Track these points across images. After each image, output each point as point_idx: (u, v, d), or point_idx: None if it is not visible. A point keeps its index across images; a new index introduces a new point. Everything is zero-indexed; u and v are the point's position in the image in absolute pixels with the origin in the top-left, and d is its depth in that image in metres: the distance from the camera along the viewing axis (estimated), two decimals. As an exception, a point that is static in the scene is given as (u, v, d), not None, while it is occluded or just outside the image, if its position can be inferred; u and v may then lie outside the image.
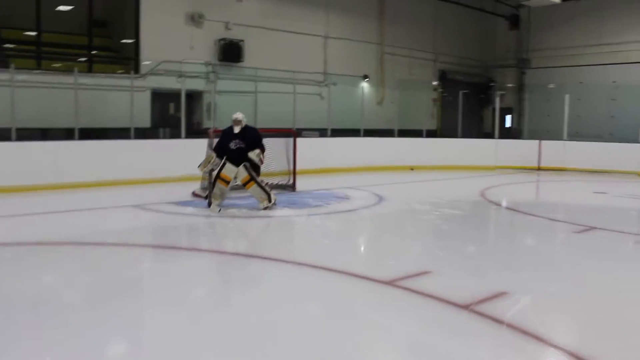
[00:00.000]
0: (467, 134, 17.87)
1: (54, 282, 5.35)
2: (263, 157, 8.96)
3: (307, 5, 16.96)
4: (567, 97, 16.67)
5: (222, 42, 14.96)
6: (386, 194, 10.78)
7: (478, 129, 22.42)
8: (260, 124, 14.41)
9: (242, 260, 6.13)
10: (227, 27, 15.07)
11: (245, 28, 15.40)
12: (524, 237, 7.69)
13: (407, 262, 5.97)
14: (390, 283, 5.10)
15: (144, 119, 13.47)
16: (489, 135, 22.17)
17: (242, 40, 15.21)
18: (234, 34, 15.19)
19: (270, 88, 14.98)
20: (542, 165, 16.67)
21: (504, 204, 10.42)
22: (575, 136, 16.95)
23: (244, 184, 9.01)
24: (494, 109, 22.86)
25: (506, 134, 19.05)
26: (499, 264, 6.05)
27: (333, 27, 17.62)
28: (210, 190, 8.97)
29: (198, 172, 11.94)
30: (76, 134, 11.44)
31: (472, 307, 4.50)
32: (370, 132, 16.08)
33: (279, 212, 8.74)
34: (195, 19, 14.50)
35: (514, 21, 22.10)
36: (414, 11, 19.95)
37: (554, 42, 21.05)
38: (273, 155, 10.97)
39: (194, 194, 10.43)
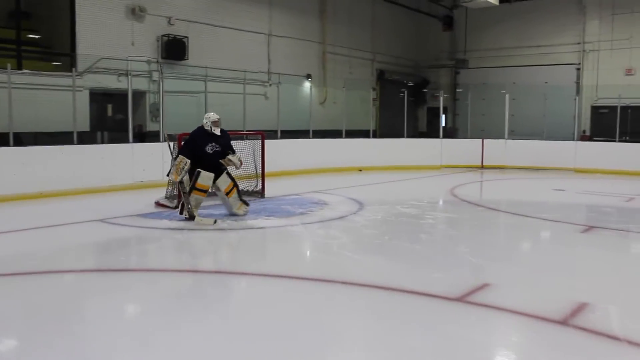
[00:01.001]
0: (402, 134, 17.90)
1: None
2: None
3: (250, 1, 16.18)
4: (507, 97, 17.13)
5: (165, 38, 13.84)
6: (361, 198, 10.37)
7: (413, 128, 22.63)
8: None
9: (271, 281, 5.42)
10: (169, 22, 13.97)
11: (188, 24, 14.36)
12: (543, 241, 7.42)
13: (455, 274, 5.55)
14: (461, 299, 4.67)
15: (83, 122, 12.13)
16: (425, 134, 22.50)
17: (186, 37, 14.17)
18: (177, 30, 14.12)
19: (215, 88, 14.09)
20: (485, 163, 17.03)
21: (485, 204, 10.23)
22: (510, 134, 17.47)
23: (227, 193, 8.26)
24: (428, 109, 23.30)
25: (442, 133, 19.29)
26: (547, 271, 5.77)
27: (276, 24, 16.95)
28: (187, 202, 8.03)
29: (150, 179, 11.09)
30: (11, 139, 10.05)
31: (569, 321, 4.18)
32: (314, 133, 15.66)
33: (268, 222, 8.06)
34: (136, 13, 13.29)
35: (448, 22, 22.51)
36: (353, 10, 19.71)
37: (487, 43, 21.64)
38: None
39: (159, 204, 9.44)
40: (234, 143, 10.31)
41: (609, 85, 18.36)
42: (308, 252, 6.51)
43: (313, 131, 15.61)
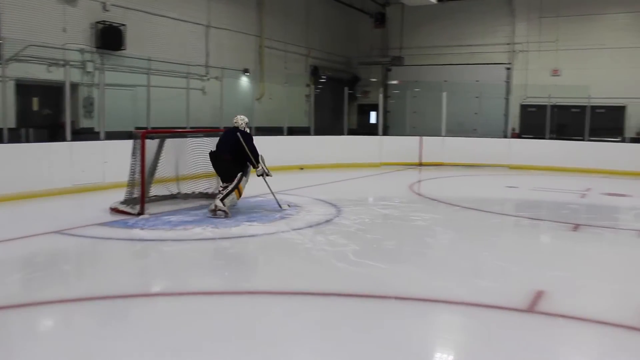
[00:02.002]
0: (335, 131, 17.67)
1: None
2: None
3: (188, -12, 15.18)
4: (444, 95, 17.39)
5: (99, 25, 12.54)
6: (328, 198, 9.95)
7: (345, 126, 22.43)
8: (152, 124, 12.49)
9: (313, 301, 4.85)
10: (104, 8, 12.68)
11: (124, 10, 13.13)
12: (549, 241, 7.42)
13: (500, 281, 5.27)
14: (531, 310, 4.40)
15: (8, 117, 10.68)
16: (354, 132, 22.38)
17: (123, 25, 12.94)
18: (113, 17, 12.84)
19: (154, 81, 12.99)
20: (423, 160, 17.20)
21: (456, 202, 9.98)
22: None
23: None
24: (358, 106, 23.24)
25: (373, 129, 19.29)
26: (587, 273, 5.69)
27: (215, 15, 16.02)
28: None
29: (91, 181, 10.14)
30: None
31: (657, 331, 4.03)
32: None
33: (256, 229, 7.39)
34: (68, -5, 11.94)
35: (380, 19, 22.52)
36: (289, 3, 19.14)
37: (420, 41, 21.86)
38: (196, 159, 9.51)
39: (117, 211, 8.42)
40: (194, 142, 9.62)
41: (537, 85, 19.20)
42: (330, 264, 5.81)
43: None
